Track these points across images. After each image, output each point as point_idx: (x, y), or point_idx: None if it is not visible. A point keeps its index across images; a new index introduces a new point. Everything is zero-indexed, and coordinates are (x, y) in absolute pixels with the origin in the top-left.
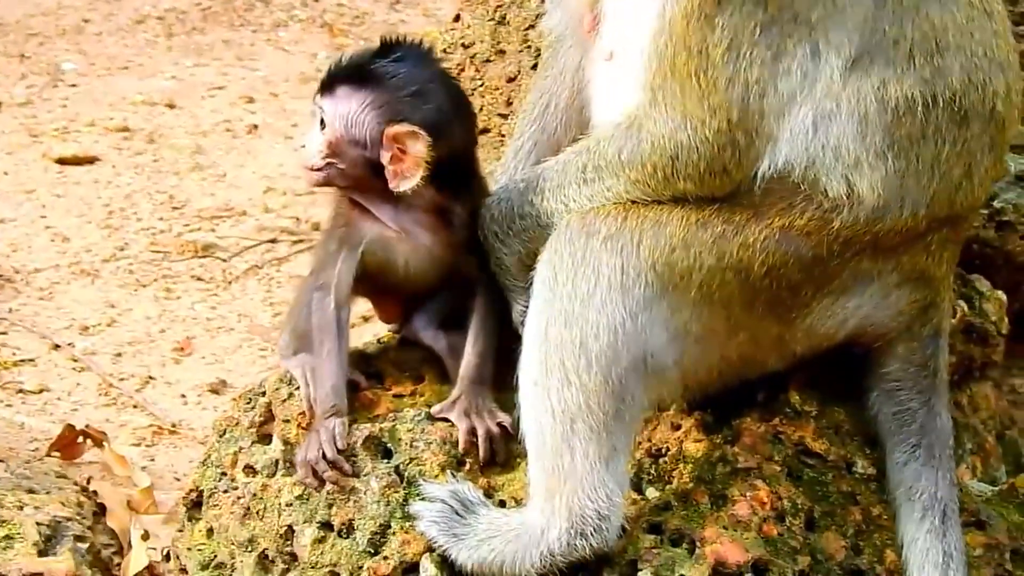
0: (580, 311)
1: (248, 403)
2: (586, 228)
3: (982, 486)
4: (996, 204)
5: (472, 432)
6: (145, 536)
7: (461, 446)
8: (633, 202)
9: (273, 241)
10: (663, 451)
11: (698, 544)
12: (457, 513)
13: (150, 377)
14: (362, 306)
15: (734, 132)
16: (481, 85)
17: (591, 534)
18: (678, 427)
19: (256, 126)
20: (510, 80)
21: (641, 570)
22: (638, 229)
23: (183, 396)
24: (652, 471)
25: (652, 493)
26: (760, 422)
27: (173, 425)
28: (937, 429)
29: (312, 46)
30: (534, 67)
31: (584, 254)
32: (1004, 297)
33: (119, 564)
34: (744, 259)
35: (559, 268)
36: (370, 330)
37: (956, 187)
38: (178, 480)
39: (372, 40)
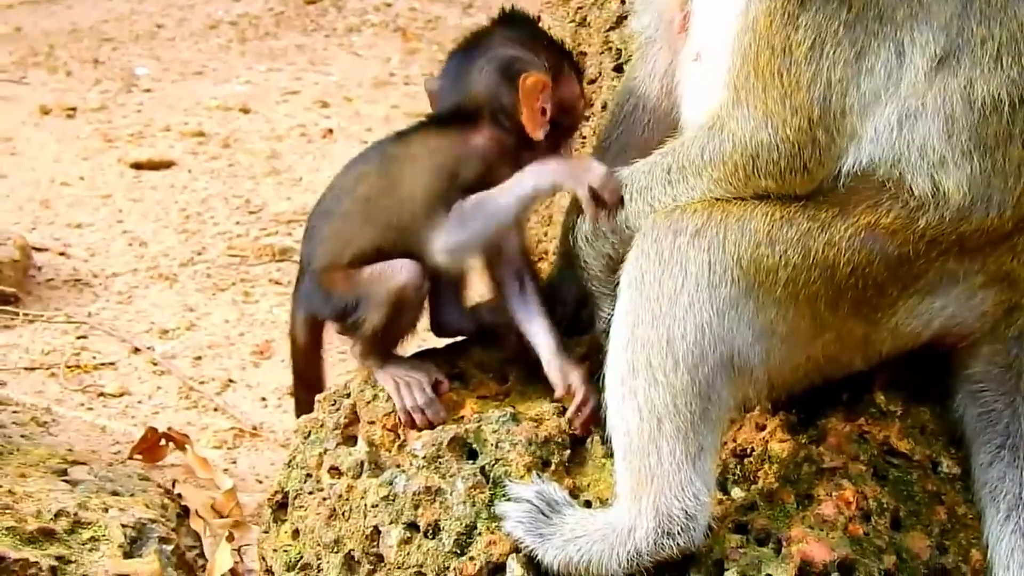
0: (667, 309)
1: (333, 405)
2: (672, 226)
3: None
4: None
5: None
6: (230, 538)
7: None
8: (718, 199)
9: None
10: (748, 451)
11: (784, 544)
12: (543, 513)
13: (230, 380)
14: None
15: (815, 130)
16: None
17: (678, 533)
18: (763, 427)
19: (331, 130)
20: (591, 82)
21: (728, 570)
22: (723, 224)
23: (263, 399)
24: (737, 471)
25: (738, 493)
26: (845, 422)
27: (254, 428)
28: (1022, 430)
29: (386, 51)
30: (615, 68)
31: (671, 252)
32: None
33: (203, 566)
34: (830, 257)
35: (646, 268)
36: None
37: None
38: (260, 483)
39: (445, 44)
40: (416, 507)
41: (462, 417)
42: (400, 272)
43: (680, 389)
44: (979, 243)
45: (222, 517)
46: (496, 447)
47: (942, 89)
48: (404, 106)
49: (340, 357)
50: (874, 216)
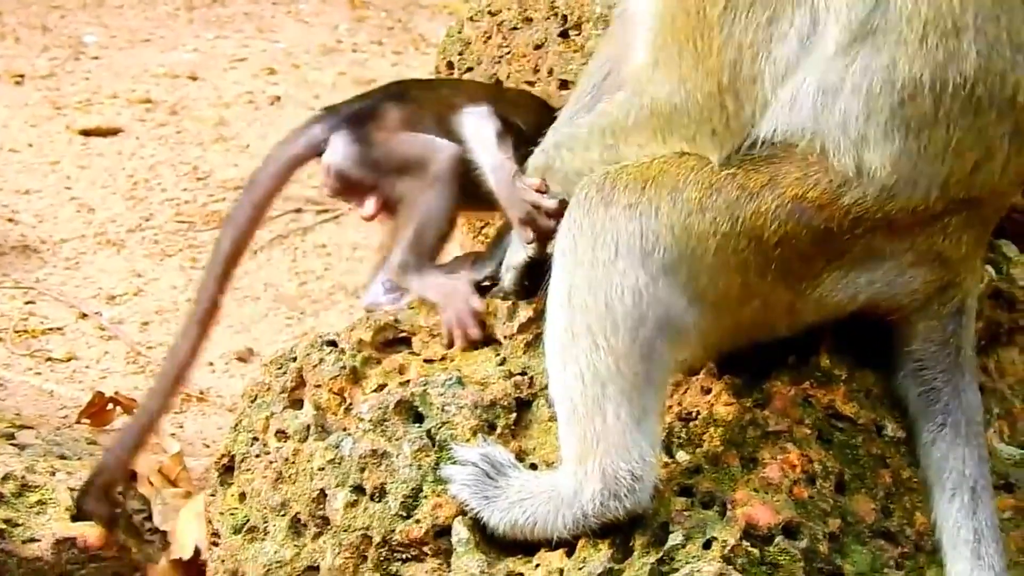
0: (603, 276)
1: (279, 368)
2: (604, 199)
3: (1011, 450)
4: None
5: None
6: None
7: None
8: (648, 167)
9: (298, 211)
10: (694, 415)
11: (729, 506)
12: (488, 476)
13: None
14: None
15: (723, 95)
16: (508, 53)
17: (625, 495)
18: (708, 391)
19: (279, 97)
20: (537, 47)
21: (672, 532)
22: (656, 197)
23: (211, 364)
24: (683, 435)
25: (683, 456)
26: (790, 385)
27: (201, 392)
28: (963, 407)
29: (333, 18)
30: (561, 35)
31: (603, 223)
32: None
33: (150, 529)
34: (757, 226)
35: (579, 238)
36: None
37: (973, 171)
38: (207, 447)
39: (393, 11)
40: (362, 470)
41: (408, 380)
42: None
43: (622, 352)
44: (907, 223)
45: (169, 481)
46: (442, 410)
47: (864, 67)
48: (352, 73)
49: (287, 323)
50: (801, 189)
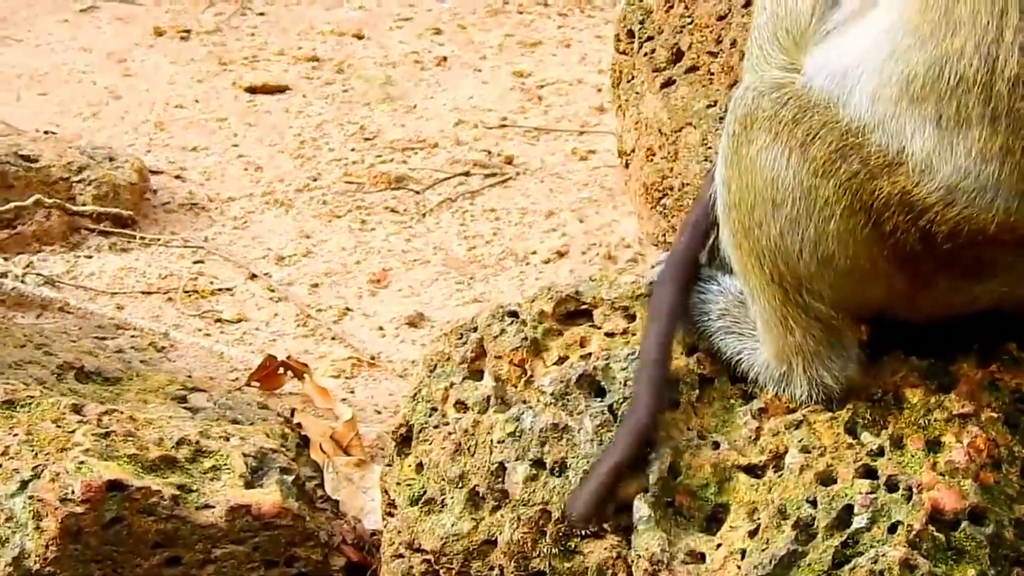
0: (751, 219)
1: (459, 338)
2: (747, 137)
3: None
4: None
5: None
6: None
7: None
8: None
9: (466, 174)
10: (879, 396)
11: (914, 490)
12: None
13: (347, 309)
14: None
15: None
16: (691, 23)
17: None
18: (895, 372)
19: (445, 58)
20: (720, 18)
21: (857, 515)
22: (787, 145)
23: (380, 328)
24: (867, 416)
25: (867, 438)
26: (977, 369)
27: (372, 358)
28: None
29: None
30: (745, 5)
31: (746, 164)
32: None
33: (322, 497)
34: (875, 209)
35: (730, 178)
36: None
37: None
38: (379, 413)
39: None
40: (543, 444)
41: (589, 354)
42: None
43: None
44: (1011, 238)
45: (341, 448)
46: (624, 385)
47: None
48: (518, 34)
49: (456, 287)
50: (911, 184)
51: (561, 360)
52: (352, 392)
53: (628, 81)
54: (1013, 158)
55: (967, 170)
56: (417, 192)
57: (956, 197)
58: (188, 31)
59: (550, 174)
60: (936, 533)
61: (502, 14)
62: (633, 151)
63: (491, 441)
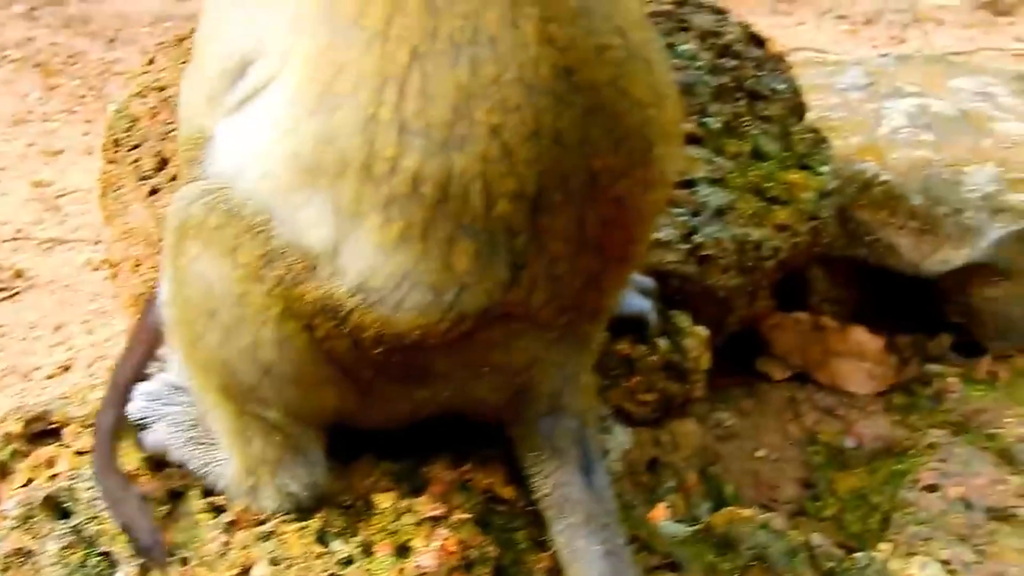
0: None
1: None
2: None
3: (676, 527)
4: (696, 239)
5: None
6: None
7: None
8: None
9: None
10: (350, 503)
11: None
12: None
13: None
14: None
15: None
16: (175, 130)
17: None
18: (366, 476)
19: None
20: None
21: None
22: (218, 254)
23: None
24: (339, 524)
25: (337, 546)
26: (449, 469)
27: None
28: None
29: (23, 86)
30: None
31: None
32: (705, 333)
33: None
34: (305, 314)
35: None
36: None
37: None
38: None
39: (88, 79)
40: (5, 569)
41: (57, 475)
42: None
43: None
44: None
45: None
46: (89, 505)
47: None
48: (40, 143)
49: None
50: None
51: (28, 482)
52: None
53: (116, 190)
54: (414, 248)
55: (374, 267)
56: None
57: (369, 297)
58: None
59: (62, 286)
60: None
61: (26, 123)
62: (122, 261)
63: None
